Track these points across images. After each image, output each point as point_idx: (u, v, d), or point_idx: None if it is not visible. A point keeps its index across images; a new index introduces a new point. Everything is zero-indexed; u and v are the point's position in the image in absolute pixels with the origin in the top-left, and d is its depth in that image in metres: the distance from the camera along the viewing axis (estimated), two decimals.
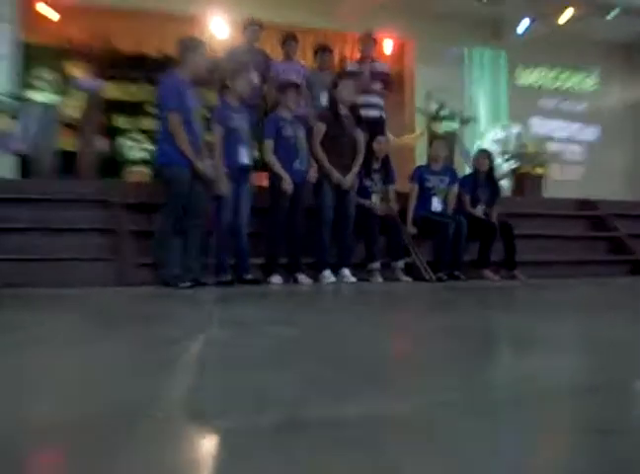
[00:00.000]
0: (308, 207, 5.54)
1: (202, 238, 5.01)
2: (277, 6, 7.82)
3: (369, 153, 5.88)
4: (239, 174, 5.17)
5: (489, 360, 2.05)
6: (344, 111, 5.60)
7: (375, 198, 5.91)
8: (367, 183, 5.91)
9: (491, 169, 6.58)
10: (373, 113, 6.40)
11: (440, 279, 5.79)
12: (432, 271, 5.88)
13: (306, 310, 3.70)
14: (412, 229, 6.04)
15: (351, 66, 6.70)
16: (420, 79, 8.94)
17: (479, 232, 6.18)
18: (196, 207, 4.91)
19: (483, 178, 6.50)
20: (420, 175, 6.28)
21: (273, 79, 6.09)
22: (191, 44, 4.97)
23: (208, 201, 5.01)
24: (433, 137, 7.54)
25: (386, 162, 6.08)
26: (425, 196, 6.21)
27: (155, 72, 5.49)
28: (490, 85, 9.72)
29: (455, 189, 6.36)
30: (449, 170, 6.48)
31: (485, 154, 6.67)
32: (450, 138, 7.57)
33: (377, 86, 6.50)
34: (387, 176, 6.05)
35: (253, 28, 6.23)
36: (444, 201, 6.27)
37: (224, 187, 5.07)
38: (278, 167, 5.32)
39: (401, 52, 9.36)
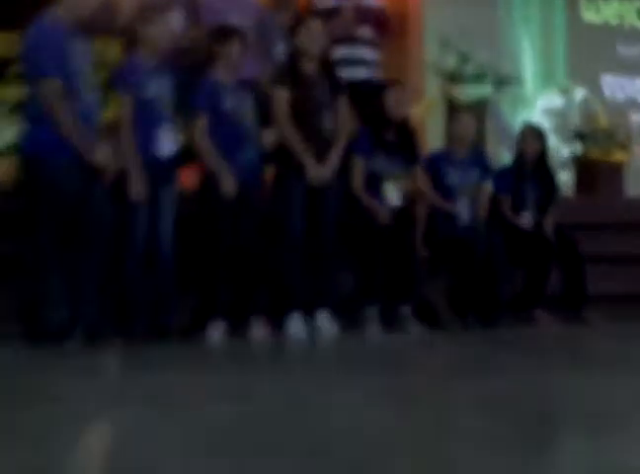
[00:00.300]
0: (264, 218, 5.58)
1: (101, 268, 5.01)
2: None
3: (379, 116, 5.92)
4: (159, 169, 5.20)
5: (553, 453, 2.10)
6: (310, 68, 5.66)
7: (392, 190, 5.92)
8: (378, 164, 5.90)
9: (543, 155, 6.64)
10: (360, 72, 6.43)
11: (467, 327, 5.87)
12: (455, 313, 5.95)
13: (261, 377, 3.77)
14: (423, 250, 6.06)
15: (323, 1, 6.71)
16: (432, 20, 8.96)
17: (526, 252, 6.25)
18: (89, 221, 4.92)
19: (531, 169, 6.58)
20: (435, 166, 6.33)
21: (204, 23, 6.13)
22: None
23: (110, 211, 5.01)
24: (453, 108, 7.58)
25: (406, 130, 6.06)
26: (442, 197, 6.27)
27: (25, 16, 5.53)
28: (539, 26, 9.77)
29: (488, 186, 6.43)
30: (479, 157, 6.55)
31: (534, 132, 6.72)
32: (480, 109, 7.59)
33: (366, 31, 6.56)
34: (410, 151, 6.04)
35: None
36: (472, 206, 6.32)
37: (138, 188, 5.10)
38: (214, 158, 5.36)
39: None
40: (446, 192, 6.27)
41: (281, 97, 5.57)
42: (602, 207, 7.41)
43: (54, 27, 4.87)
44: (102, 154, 4.92)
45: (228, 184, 5.31)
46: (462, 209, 6.25)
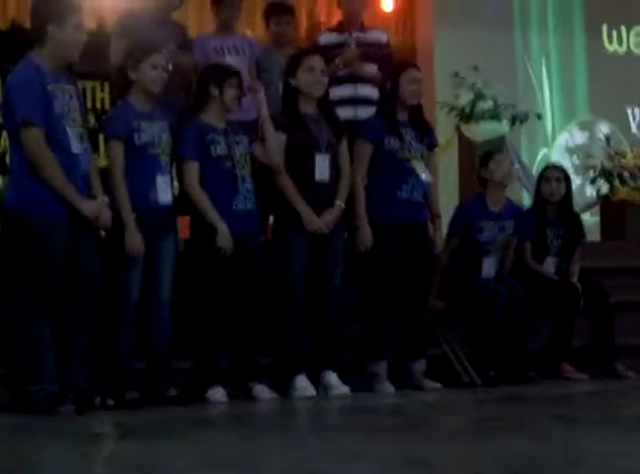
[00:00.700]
0: (263, 274, 5.58)
1: (92, 331, 5.01)
2: None
3: (392, 100, 5.91)
4: (156, 219, 5.23)
5: None
6: (309, 108, 5.70)
7: (422, 168, 5.82)
8: (394, 142, 5.81)
9: (567, 197, 6.66)
10: (366, 112, 6.42)
11: (487, 383, 5.85)
12: (474, 369, 5.92)
13: (266, 446, 3.74)
14: (438, 304, 6.12)
15: (326, 37, 6.81)
16: (442, 53, 9.03)
17: (551, 302, 6.25)
18: (80, 280, 4.91)
19: (554, 212, 6.61)
20: (469, 221, 6.26)
21: (197, 62, 6.16)
22: (55, 11, 4.92)
23: (101, 268, 5.01)
24: (469, 147, 7.57)
25: (419, 114, 6.01)
26: (470, 255, 6.25)
27: (6, 57, 5.52)
28: (559, 58, 9.81)
29: (515, 239, 6.40)
30: (513, 209, 6.48)
31: (556, 172, 6.72)
32: (496, 148, 7.55)
33: (371, 68, 6.60)
34: (424, 135, 5.99)
35: None
36: (499, 260, 6.30)
37: (134, 240, 5.10)
38: (208, 208, 5.35)
39: (410, 10, 9.48)
40: (478, 249, 6.24)
41: (280, 141, 5.58)
42: (632, 252, 7.39)
43: (36, 71, 4.86)
44: (92, 205, 4.90)
45: (224, 238, 5.30)
46: (490, 265, 6.25)
